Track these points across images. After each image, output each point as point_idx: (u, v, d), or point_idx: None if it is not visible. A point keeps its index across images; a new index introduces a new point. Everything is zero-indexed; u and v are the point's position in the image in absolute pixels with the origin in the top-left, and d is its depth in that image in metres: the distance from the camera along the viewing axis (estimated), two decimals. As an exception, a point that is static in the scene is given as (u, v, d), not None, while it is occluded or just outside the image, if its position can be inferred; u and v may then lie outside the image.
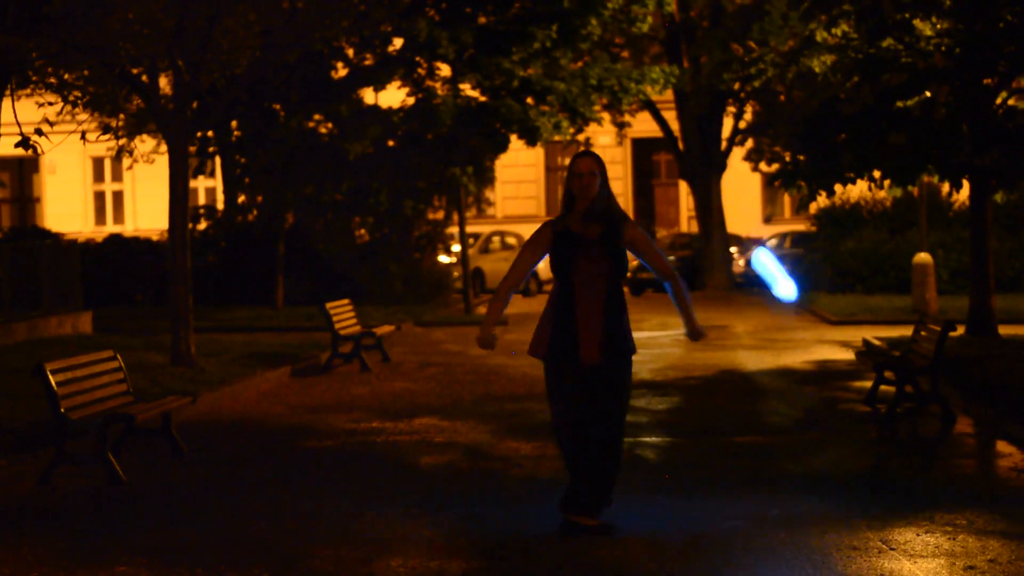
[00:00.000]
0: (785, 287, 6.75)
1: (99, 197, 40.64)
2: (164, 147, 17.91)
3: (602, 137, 37.12)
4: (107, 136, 14.74)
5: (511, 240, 33.47)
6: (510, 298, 7.44)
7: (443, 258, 29.80)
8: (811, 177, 16.51)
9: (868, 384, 12.88)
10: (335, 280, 25.87)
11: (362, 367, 16.14)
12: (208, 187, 38.42)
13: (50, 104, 14.29)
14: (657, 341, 18.82)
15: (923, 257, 22.26)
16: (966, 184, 16.98)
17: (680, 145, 32.94)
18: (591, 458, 7.19)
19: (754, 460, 9.52)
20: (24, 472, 9.42)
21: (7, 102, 12.04)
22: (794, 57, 18.02)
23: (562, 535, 7.20)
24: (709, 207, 32.46)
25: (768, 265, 6.89)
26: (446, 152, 24.39)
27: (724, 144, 32.79)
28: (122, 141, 20.59)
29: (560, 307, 7.19)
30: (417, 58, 24.58)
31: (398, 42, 24.48)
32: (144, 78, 15.26)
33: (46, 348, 16.67)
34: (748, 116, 32.86)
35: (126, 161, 21.90)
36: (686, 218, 40.90)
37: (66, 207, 39.64)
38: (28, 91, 14.66)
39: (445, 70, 25.00)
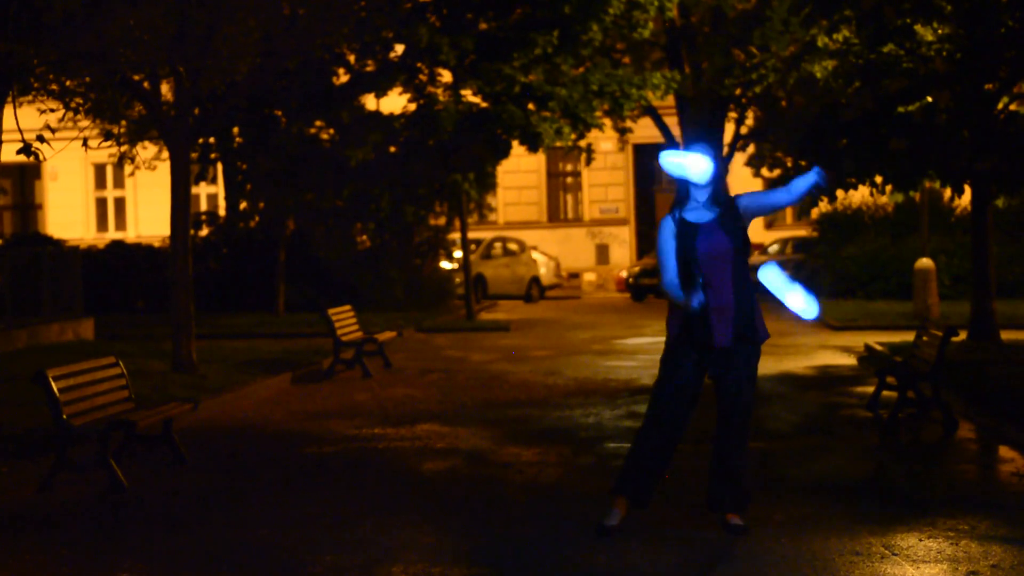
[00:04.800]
0: (798, 301, 6.66)
1: (101, 204, 40.63)
2: (165, 153, 17.95)
3: (604, 143, 37.11)
4: (109, 143, 14.69)
5: (513, 246, 33.40)
6: None
7: (445, 264, 29.75)
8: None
9: (870, 389, 12.87)
10: (336, 286, 25.86)
11: (364, 373, 16.14)
12: (210, 193, 38.42)
13: (51, 111, 14.26)
14: (658, 347, 18.77)
15: (925, 262, 22.25)
16: (967, 189, 16.98)
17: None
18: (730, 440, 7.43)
19: (756, 465, 9.51)
20: (25, 479, 9.42)
21: (8, 109, 12.02)
22: (795, 62, 17.99)
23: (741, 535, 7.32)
24: (711, 213, 32.35)
25: (776, 281, 6.83)
26: (447, 158, 24.37)
27: (726, 150, 32.78)
28: (124, 148, 20.62)
29: None
30: (418, 64, 24.56)
31: (399, 48, 24.47)
32: (145, 85, 15.27)
33: (47, 355, 16.66)
34: (749, 121, 32.82)
35: (128, 168, 21.87)
36: (688, 224, 40.77)
37: (68, 214, 39.61)
38: (29, 98, 14.64)
39: (446, 76, 24.99)
